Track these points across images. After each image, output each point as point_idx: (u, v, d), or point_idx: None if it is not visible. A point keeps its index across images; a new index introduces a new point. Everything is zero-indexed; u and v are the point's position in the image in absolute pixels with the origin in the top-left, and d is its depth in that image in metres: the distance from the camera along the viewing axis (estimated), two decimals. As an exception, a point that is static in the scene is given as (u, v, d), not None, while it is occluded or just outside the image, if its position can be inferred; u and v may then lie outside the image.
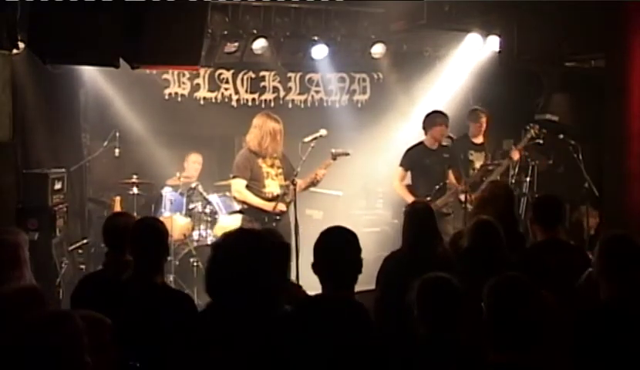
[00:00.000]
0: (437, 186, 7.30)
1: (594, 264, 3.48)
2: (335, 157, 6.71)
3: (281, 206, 6.68)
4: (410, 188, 7.46)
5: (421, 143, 7.53)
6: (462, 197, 7.08)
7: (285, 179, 6.77)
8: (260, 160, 6.77)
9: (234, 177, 6.79)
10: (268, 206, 6.65)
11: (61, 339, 2.47)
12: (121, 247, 4.05)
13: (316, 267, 3.11)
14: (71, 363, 2.46)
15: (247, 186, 6.72)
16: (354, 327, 2.98)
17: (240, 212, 6.88)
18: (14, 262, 3.93)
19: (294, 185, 6.57)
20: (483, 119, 8.05)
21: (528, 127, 7.78)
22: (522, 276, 3.05)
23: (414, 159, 7.48)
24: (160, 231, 3.78)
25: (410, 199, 7.15)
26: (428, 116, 7.52)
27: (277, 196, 6.72)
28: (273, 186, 6.77)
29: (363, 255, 8.61)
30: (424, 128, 7.50)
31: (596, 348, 3.20)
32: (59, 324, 2.50)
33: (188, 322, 3.30)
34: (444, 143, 7.33)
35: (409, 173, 7.57)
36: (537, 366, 2.83)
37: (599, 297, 3.44)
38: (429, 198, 7.08)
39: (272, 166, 6.82)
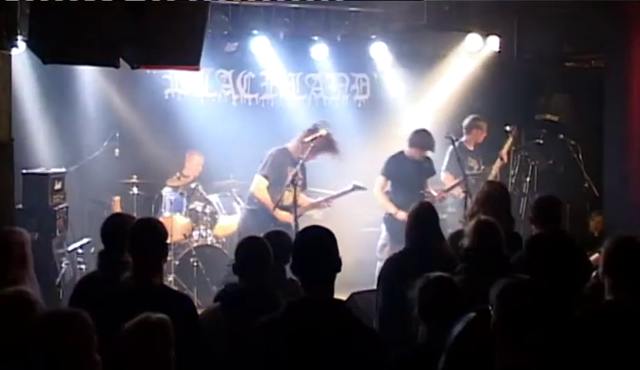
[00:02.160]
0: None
1: (600, 266, 3.47)
2: (354, 189, 7.06)
3: (290, 218, 6.70)
4: (389, 196, 7.51)
5: (401, 153, 7.55)
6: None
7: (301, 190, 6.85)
8: (289, 168, 6.77)
9: (262, 175, 6.83)
10: (282, 215, 6.69)
11: (72, 337, 2.46)
12: (118, 248, 4.04)
13: (294, 268, 3.09)
14: (82, 361, 2.46)
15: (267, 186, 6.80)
16: (342, 329, 2.98)
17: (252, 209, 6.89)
18: (20, 260, 3.96)
19: (295, 185, 6.60)
20: (485, 128, 8.11)
21: (509, 128, 7.95)
22: (531, 278, 3.04)
23: (394, 168, 7.52)
24: (159, 231, 3.76)
25: (391, 207, 7.30)
26: (414, 133, 7.49)
27: (285, 204, 6.77)
28: (287, 196, 6.70)
29: (363, 255, 8.64)
30: (408, 141, 7.50)
31: (598, 349, 3.20)
32: (71, 322, 2.50)
33: (187, 323, 3.30)
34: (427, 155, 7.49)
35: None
36: (545, 367, 2.83)
37: (603, 299, 3.44)
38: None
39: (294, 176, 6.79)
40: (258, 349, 2.98)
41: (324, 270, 3.03)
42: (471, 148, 8.17)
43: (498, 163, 8.00)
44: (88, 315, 2.59)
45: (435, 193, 7.41)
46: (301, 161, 6.70)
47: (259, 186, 6.81)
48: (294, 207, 6.67)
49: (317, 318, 2.96)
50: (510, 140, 8.03)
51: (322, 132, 6.90)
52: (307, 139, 6.86)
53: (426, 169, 7.55)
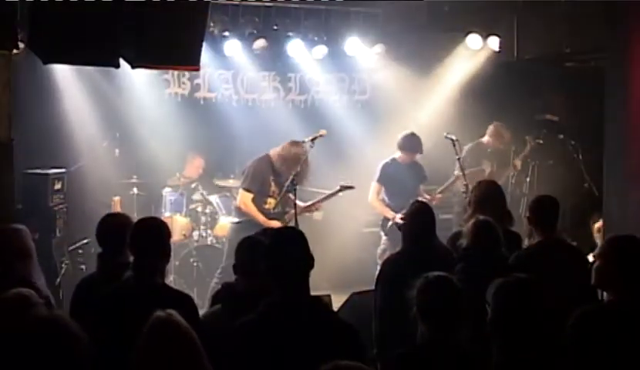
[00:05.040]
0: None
1: (600, 266, 3.47)
2: (341, 189, 7.01)
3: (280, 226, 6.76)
4: (384, 203, 7.56)
5: (394, 159, 7.63)
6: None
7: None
8: (271, 177, 6.87)
9: (244, 189, 6.90)
10: (270, 223, 6.69)
11: (53, 347, 2.44)
12: (117, 249, 4.03)
13: (269, 270, 3.11)
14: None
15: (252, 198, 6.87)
16: (320, 327, 2.99)
17: (239, 223, 6.93)
18: (24, 254, 3.97)
19: (296, 185, 6.61)
20: (507, 138, 8.28)
21: (528, 137, 8.08)
22: (529, 277, 3.05)
23: (388, 174, 7.56)
24: (161, 231, 3.76)
25: (388, 212, 7.38)
26: (403, 138, 7.59)
27: (274, 213, 6.87)
28: (273, 204, 6.92)
29: (363, 255, 8.63)
30: (399, 147, 7.58)
31: (597, 349, 3.21)
32: (51, 331, 2.47)
33: (189, 322, 3.30)
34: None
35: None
36: (544, 366, 2.83)
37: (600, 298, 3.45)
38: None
39: (279, 185, 6.91)
40: (237, 351, 2.99)
41: (300, 269, 3.06)
42: (489, 150, 8.23)
43: (510, 170, 8.17)
44: (74, 324, 2.56)
45: (428, 197, 7.43)
46: (296, 169, 6.70)
47: (244, 200, 6.88)
48: (294, 208, 6.71)
49: (295, 317, 2.99)
50: (527, 148, 8.26)
51: (322, 131, 6.95)
52: (307, 140, 6.89)
53: (419, 174, 7.64)
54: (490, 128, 8.35)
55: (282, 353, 2.91)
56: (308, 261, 3.09)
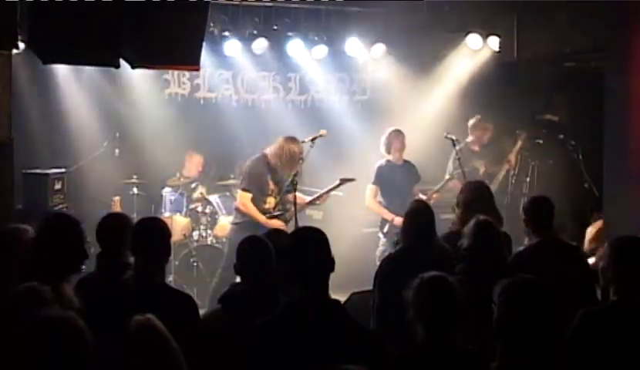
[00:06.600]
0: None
1: (603, 267, 3.47)
2: (342, 182, 6.99)
3: (281, 225, 6.74)
4: (382, 205, 7.59)
5: (388, 160, 7.68)
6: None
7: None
8: (269, 176, 6.84)
9: (243, 190, 6.88)
10: (271, 223, 6.69)
11: (61, 346, 2.44)
12: (117, 249, 4.03)
13: (289, 269, 3.08)
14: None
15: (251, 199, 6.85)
16: (339, 330, 2.98)
17: (239, 223, 6.94)
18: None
19: (295, 187, 6.61)
20: (489, 128, 8.20)
21: (518, 132, 8.02)
22: (536, 278, 3.04)
23: (383, 175, 7.59)
24: (162, 231, 3.76)
25: (387, 214, 7.44)
26: (385, 137, 7.71)
27: (275, 213, 6.85)
28: (273, 203, 6.90)
29: (363, 255, 8.63)
30: (386, 149, 7.67)
31: (601, 350, 3.21)
32: (59, 329, 2.47)
33: (189, 322, 3.29)
34: (406, 159, 7.70)
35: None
36: (546, 366, 2.83)
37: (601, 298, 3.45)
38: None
39: (277, 183, 6.89)
40: (256, 351, 2.98)
41: (320, 270, 3.03)
42: (476, 149, 8.19)
43: (505, 166, 8.07)
44: (81, 322, 2.56)
45: (424, 197, 7.43)
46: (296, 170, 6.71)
47: (243, 201, 6.85)
48: (294, 207, 6.71)
49: (314, 319, 2.96)
50: (518, 144, 8.12)
51: (322, 131, 6.95)
52: (306, 139, 6.89)
53: (414, 174, 7.68)
54: (470, 126, 8.25)
55: (302, 355, 2.89)
56: (330, 264, 3.06)
